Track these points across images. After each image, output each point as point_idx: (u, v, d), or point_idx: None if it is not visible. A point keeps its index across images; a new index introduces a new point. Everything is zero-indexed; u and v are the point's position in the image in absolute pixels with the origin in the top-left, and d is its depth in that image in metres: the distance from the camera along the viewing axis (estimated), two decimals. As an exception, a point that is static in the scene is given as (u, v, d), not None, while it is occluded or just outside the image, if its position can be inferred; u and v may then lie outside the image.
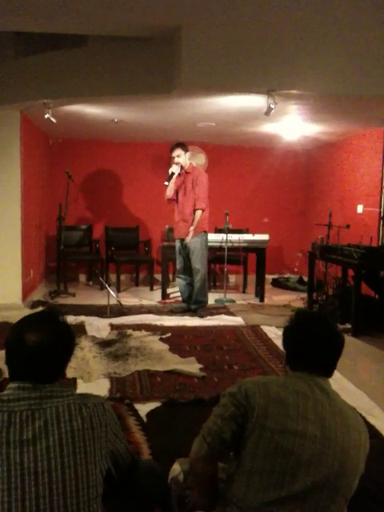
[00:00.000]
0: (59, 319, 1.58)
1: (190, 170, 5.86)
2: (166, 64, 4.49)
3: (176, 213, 5.95)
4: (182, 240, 5.88)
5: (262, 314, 6.07)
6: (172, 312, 5.92)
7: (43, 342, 1.49)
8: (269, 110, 4.42)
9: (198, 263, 5.83)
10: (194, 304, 5.96)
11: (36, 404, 1.45)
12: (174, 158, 5.81)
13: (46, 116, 5.24)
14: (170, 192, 5.87)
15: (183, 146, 5.82)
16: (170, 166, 6.05)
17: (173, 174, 5.82)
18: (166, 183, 5.85)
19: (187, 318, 5.72)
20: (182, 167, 5.81)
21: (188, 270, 5.95)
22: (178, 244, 5.98)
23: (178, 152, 5.77)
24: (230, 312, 6.10)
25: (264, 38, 4.17)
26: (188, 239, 5.77)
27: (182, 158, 5.79)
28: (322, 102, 4.84)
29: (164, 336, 4.91)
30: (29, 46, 5.49)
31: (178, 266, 6.04)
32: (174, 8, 3.80)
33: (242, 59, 4.19)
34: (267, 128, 6.43)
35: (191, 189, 5.78)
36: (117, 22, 4.16)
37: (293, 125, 6.15)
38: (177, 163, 5.80)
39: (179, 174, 5.84)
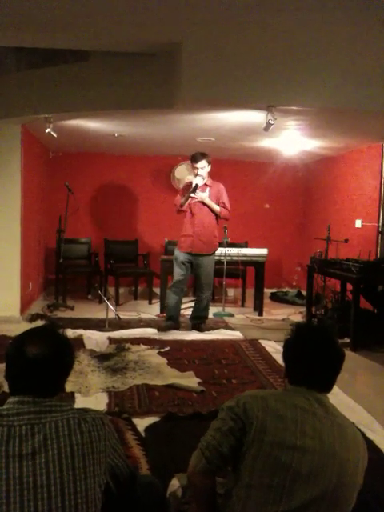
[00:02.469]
0: (59, 333, 1.59)
1: (211, 183, 5.71)
2: (166, 79, 4.53)
3: (189, 226, 5.63)
4: (195, 255, 5.62)
5: (260, 328, 6.07)
6: (160, 330, 5.62)
7: (43, 356, 1.50)
8: (268, 125, 4.45)
9: (209, 280, 5.74)
10: (196, 319, 5.84)
11: (35, 418, 1.46)
12: (197, 169, 5.54)
13: (47, 130, 5.27)
14: (186, 203, 5.59)
15: (207, 156, 5.56)
16: (173, 176, 5.86)
17: (197, 185, 5.54)
18: (193, 195, 5.54)
19: (185, 332, 5.70)
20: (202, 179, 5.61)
21: (184, 286, 5.81)
22: (184, 257, 5.63)
23: (203, 163, 5.52)
24: (228, 326, 6.10)
25: (263, 53, 4.21)
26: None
27: (205, 169, 5.57)
28: (320, 117, 4.89)
29: (162, 350, 4.90)
30: (31, 60, 5.53)
31: (178, 278, 5.70)
32: (175, 24, 3.85)
33: (241, 75, 4.22)
34: (266, 143, 6.48)
35: (214, 201, 5.63)
36: (118, 38, 4.21)
37: (292, 140, 6.19)
38: (200, 175, 5.55)
39: (196, 186, 5.56)
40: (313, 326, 2.03)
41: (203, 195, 5.61)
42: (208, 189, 5.66)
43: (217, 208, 5.66)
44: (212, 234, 5.70)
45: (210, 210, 5.64)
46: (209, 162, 5.58)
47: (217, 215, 5.70)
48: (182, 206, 5.62)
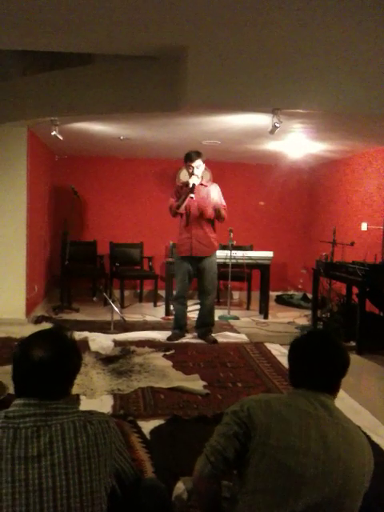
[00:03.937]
0: (66, 337, 1.60)
1: (207, 183, 5.56)
2: (171, 83, 4.54)
3: (184, 229, 5.41)
4: (197, 258, 5.40)
5: (265, 331, 6.06)
6: (169, 339, 5.43)
7: (49, 359, 1.50)
8: (274, 128, 4.45)
9: (213, 284, 5.54)
10: (202, 327, 5.57)
11: (41, 421, 1.46)
12: (193, 168, 5.31)
13: (53, 133, 5.29)
14: (183, 205, 5.33)
15: (202, 155, 5.36)
16: (178, 179, 5.72)
17: (194, 185, 5.28)
18: (192, 196, 5.27)
19: (191, 335, 5.66)
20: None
21: (187, 294, 5.63)
22: (188, 263, 5.42)
23: (198, 162, 5.31)
24: (233, 329, 6.09)
25: (269, 57, 4.21)
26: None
27: (201, 168, 5.36)
28: (326, 120, 4.88)
29: (168, 352, 4.90)
30: (36, 63, 5.56)
31: (182, 289, 5.49)
32: (180, 28, 3.85)
33: (247, 78, 4.23)
34: (272, 146, 6.47)
35: (211, 202, 5.40)
36: (124, 41, 4.22)
37: (297, 143, 6.18)
38: (196, 175, 5.32)
39: (193, 186, 5.30)
40: (318, 330, 2.04)
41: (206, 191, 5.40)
42: (207, 189, 5.45)
43: (219, 212, 5.40)
44: (210, 236, 5.45)
45: (206, 210, 5.39)
46: (203, 160, 5.40)
47: (218, 216, 5.43)
48: (178, 208, 5.37)
